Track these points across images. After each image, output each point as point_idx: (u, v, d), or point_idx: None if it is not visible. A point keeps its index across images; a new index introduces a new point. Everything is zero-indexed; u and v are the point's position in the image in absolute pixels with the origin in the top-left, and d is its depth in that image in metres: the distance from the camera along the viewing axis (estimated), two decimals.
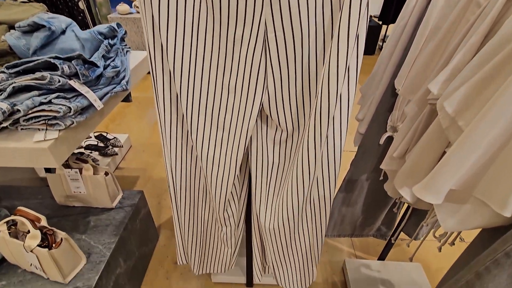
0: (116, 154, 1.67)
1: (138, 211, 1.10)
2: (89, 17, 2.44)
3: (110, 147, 1.67)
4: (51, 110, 0.73)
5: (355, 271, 1.17)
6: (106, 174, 1.00)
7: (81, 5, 2.37)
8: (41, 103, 0.73)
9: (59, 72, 0.77)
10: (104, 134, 1.73)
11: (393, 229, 1.12)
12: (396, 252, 1.32)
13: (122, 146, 1.73)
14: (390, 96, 0.76)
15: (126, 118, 2.21)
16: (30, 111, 0.72)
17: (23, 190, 1.11)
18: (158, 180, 1.64)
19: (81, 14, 2.40)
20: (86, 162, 0.98)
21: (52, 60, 0.76)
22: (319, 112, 0.48)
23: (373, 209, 1.05)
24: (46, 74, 0.74)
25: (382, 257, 1.20)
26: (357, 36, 0.43)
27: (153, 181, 1.64)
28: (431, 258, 1.31)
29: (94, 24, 2.46)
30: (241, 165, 0.69)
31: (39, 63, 0.76)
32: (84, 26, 2.47)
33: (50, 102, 0.74)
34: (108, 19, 2.60)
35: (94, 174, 0.98)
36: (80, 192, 1.00)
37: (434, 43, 0.54)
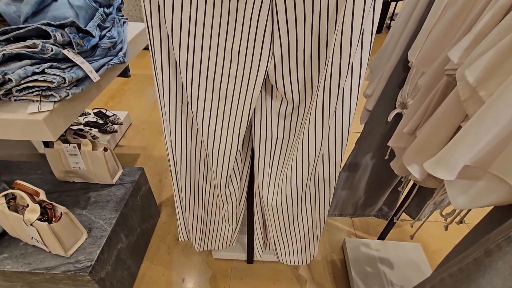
0: (116, 131, 1.65)
1: (138, 188, 1.09)
2: None
3: (110, 124, 1.64)
4: (44, 81, 0.70)
5: (355, 250, 1.18)
6: (105, 150, 0.98)
7: None
8: (34, 73, 0.70)
9: (51, 41, 0.72)
10: (103, 111, 1.70)
11: (395, 209, 1.11)
12: (396, 233, 1.32)
13: (122, 123, 1.70)
14: (402, 70, 0.72)
15: (126, 95, 2.17)
16: (22, 81, 0.68)
17: (23, 165, 1.10)
18: (159, 158, 1.63)
19: None
20: (84, 137, 0.96)
21: (43, 27, 0.71)
22: (329, 82, 0.45)
23: (376, 189, 1.03)
24: (38, 42, 0.70)
25: (382, 237, 1.20)
26: None
27: (154, 159, 1.63)
28: (430, 239, 1.32)
29: None
30: (243, 140, 0.66)
31: (30, 30, 0.72)
32: None
33: (43, 72, 0.71)
34: None
35: (93, 149, 0.96)
36: (79, 168, 0.99)
37: (456, 8, 0.50)
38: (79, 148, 0.95)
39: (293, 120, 0.58)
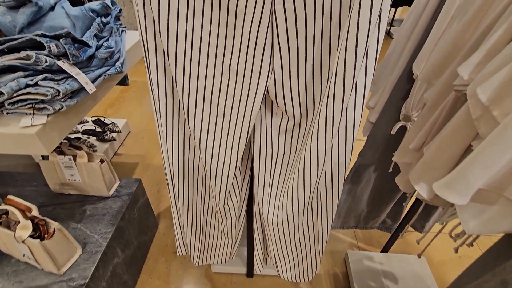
0: (114, 139, 1.63)
1: (136, 200, 1.06)
2: None
3: (108, 132, 1.62)
4: (37, 93, 0.68)
5: (358, 263, 1.15)
6: (102, 161, 0.96)
7: None
8: (27, 85, 0.68)
9: (46, 52, 0.71)
10: (102, 118, 1.68)
11: (399, 222, 1.08)
12: (399, 244, 1.29)
13: (121, 132, 1.68)
14: (406, 82, 0.70)
15: (125, 103, 2.15)
16: (15, 94, 0.67)
17: (18, 177, 1.07)
18: (158, 168, 1.61)
19: None
20: (80, 149, 0.94)
21: (38, 38, 0.70)
22: (332, 99, 0.43)
23: (379, 201, 1.00)
24: (31, 53, 0.68)
25: (385, 249, 1.17)
26: (380, 11, 0.37)
27: (153, 168, 1.60)
28: (434, 251, 1.28)
29: (90, 1, 2.36)
30: (243, 155, 0.64)
31: (24, 41, 0.70)
32: (79, 3, 2.37)
33: (36, 84, 0.69)
34: None
35: (89, 161, 0.94)
36: (75, 180, 0.97)
37: (465, 20, 0.48)
38: (75, 160, 0.93)
39: (294, 136, 0.56)
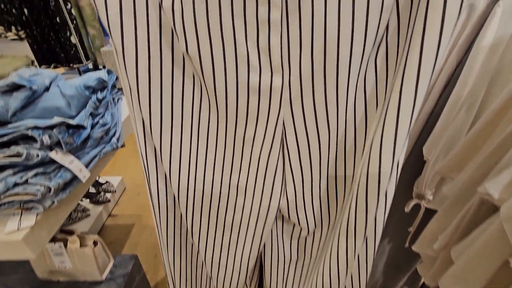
0: (109, 201, 1.55)
1: (132, 281, 0.97)
2: (81, 51, 2.38)
3: (102, 193, 1.55)
4: (27, 193, 0.63)
5: None
6: (95, 243, 0.89)
7: (73, 39, 2.31)
8: (16, 184, 0.63)
9: (38, 145, 0.67)
10: (96, 178, 1.62)
11: None
12: None
13: (115, 191, 1.61)
14: (416, 160, 0.67)
15: (121, 156, 2.10)
16: (2, 196, 0.62)
17: (3, 264, 0.98)
18: (155, 229, 1.52)
19: (74, 48, 2.34)
20: (72, 233, 0.87)
21: (30, 133, 0.66)
22: (353, 228, 0.39)
23: (395, 271, 0.94)
24: (22, 150, 0.64)
25: None
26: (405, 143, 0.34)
27: (149, 230, 1.52)
28: None
29: (87, 57, 2.40)
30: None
31: (15, 136, 0.67)
32: (76, 60, 2.40)
33: (26, 182, 0.64)
34: (101, 52, 2.53)
35: (81, 246, 0.87)
36: (65, 267, 0.89)
37: (483, 120, 0.46)
38: (66, 246, 0.86)
39: (308, 243, 0.51)
